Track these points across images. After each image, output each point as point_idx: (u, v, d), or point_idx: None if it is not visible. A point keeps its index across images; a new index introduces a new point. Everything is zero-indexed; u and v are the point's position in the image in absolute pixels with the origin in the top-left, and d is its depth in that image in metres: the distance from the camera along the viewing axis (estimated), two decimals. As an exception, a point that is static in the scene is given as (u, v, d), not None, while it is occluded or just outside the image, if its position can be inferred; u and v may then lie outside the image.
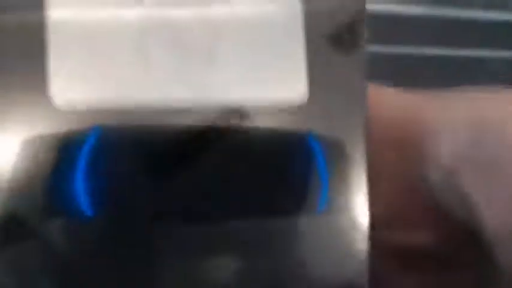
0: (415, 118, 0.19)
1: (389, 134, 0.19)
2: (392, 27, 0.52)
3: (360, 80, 0.17)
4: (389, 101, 0.20)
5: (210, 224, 0.17)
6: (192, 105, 0.17)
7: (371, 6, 0.18)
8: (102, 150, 0.16)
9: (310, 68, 0.17)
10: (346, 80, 0.17)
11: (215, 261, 0.17)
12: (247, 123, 0.17)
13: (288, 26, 0.17)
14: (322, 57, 0.17)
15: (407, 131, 0.19)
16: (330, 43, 0.17)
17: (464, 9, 0.52)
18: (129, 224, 0.16)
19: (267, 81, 0.17)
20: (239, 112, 0.17)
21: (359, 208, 0.17)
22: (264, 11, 0.17)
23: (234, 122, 0.17)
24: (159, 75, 0.17)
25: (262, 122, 0.17)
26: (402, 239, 0.20)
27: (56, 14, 0.17)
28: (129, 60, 0.17)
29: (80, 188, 0.16)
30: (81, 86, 0.16)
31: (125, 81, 0.17)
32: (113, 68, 0.17)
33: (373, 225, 0.17)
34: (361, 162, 0.17)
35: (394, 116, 0.19)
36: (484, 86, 0.20)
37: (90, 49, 0.17)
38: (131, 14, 0.17)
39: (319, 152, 0.17)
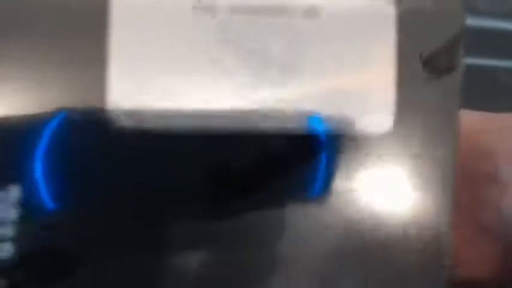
0: (489, 144, 0.18)
1: (464, 162, 0.18)
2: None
3: (453, 104, 0.16)
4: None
5: (191, 216, 0.16)
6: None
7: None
8: (65, 135, 0.15)
9: (400, 89, 0.16)
10: (438, 103, 0.16)
11: (193, 256, 0.16)
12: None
13: (378, 44, 0.16)
14: (415, 80, 0.16)
15: (482, 160, 0.18)
16: (424, 66, 0.16)
17: (476, 18, 0.51)
18: (92, 219, 0.15)
19: (350, 102, 0.16)
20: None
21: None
22: (353, 26, 0.16)
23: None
24: (232, 84, 0.16)
25: (342, 145, 0.16)
26: (468, 272, 0.19)
27: (121, 16, 0.15)
28: (200, 66, 0.16)
29: (40, 177, 0.15)
30: (143, 86, 0.15)
31: (192, 87, 0.16)
32: (181, 72, 0.16)
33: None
34: (449, 193, 0.16)
35: (467, 143, 0.18)
36: (495, 96, 0.19)
37: (159, 53, 0.15)
38: (205, 20, 0.16)
39: (322, 141, 0.16)
